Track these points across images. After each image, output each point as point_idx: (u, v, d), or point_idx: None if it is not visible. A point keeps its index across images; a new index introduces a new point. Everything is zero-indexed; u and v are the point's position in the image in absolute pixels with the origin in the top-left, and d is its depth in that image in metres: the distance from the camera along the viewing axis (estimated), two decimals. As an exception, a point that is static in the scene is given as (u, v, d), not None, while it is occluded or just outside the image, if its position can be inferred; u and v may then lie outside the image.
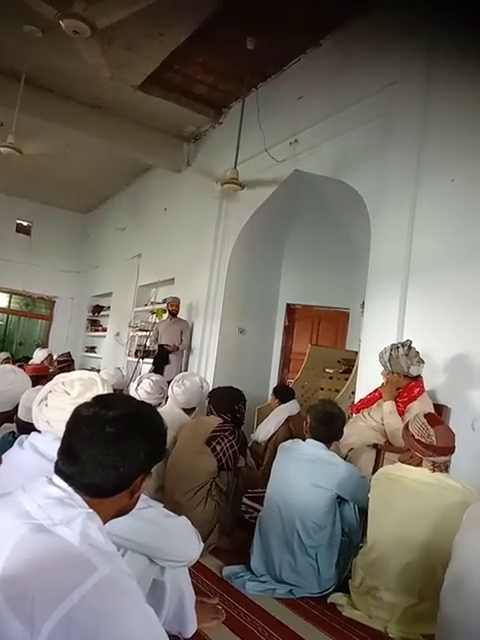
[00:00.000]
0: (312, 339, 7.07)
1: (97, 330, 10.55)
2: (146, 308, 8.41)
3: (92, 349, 10.70)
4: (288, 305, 7.21)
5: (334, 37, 5.18)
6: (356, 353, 5.14)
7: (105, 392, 1.78)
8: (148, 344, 7.30)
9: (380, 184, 4.40)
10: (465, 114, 3.80)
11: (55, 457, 1.23)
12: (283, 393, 5.07)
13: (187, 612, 1.94)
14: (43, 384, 2.08)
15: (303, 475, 2.67)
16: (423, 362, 3.36)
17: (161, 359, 6.48)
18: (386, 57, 4.50)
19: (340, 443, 3.20)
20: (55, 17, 4.02)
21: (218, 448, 3.01)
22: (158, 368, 6.33)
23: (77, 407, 1.26)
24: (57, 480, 1.18)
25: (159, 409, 2.93)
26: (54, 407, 1.79)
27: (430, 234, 3.90)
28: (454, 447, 2.38)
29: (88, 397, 1.35)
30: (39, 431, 1.82)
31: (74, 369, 5.94)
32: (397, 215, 4.12)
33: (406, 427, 2.51)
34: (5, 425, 2.69)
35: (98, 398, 1.31)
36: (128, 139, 7.41)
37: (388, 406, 3.34)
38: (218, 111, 6.96)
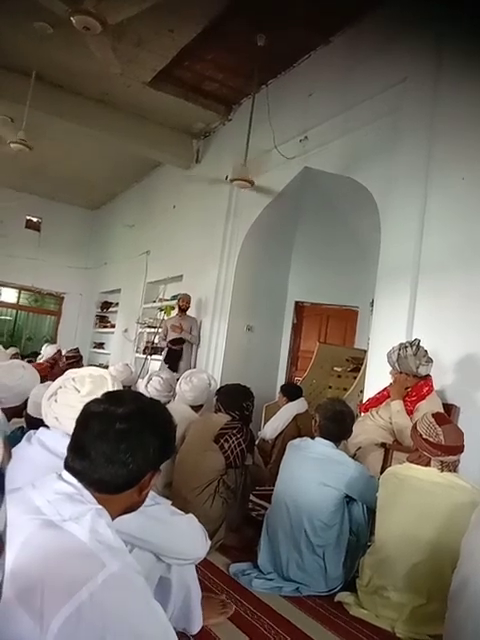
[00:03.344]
0: (320, 337, 7.05)
1: (105, 326, 10.57)
2: (154, 305, 8.44)
3: (100, 345, 10.74)
4: (296, 303, 7.19)
5: (344, 35, 5.16)
6: (365, 351, 5.13)
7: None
8: (156, 341, 7.31)
9: (390, 182, 4.37)
10: (475, 111, 3.76)
11: (62, 452, 1.24)
12: (291, 391, 5.06)
13: (193, 609, 1.95)
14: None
15: (312, 474, 2.66)
16: (432, 361, 3.33)
17: (174, 354, 6.48)
18: (396, 55, 4.47)
19: (348, 442, 3.19)
20: (66, 13, 4.02)
21: (226, 445, 3.01)
22: (172, 364, 6.33)
23: (87, 403, 1.26)
24: (67, 476, 1.19)
25: (167, 406, 2.93)
26: (63, 404, 1.79)
27: (440, 232, 3.87)
28: (463, 446, 2.37)
29: (98, 395, 1.35)
30: (48, 427, 1.83)
31: (82, 365, 5.96)
32: (407, 213, 4.10)
33: (414, 426, 2.50)
34: (14, 420, 2.71)
35: (108, 395, 1.31)
36: (137, 135, 7.40)
37: (396, 405, 3.33)
38: (228, 108, 6.95)
